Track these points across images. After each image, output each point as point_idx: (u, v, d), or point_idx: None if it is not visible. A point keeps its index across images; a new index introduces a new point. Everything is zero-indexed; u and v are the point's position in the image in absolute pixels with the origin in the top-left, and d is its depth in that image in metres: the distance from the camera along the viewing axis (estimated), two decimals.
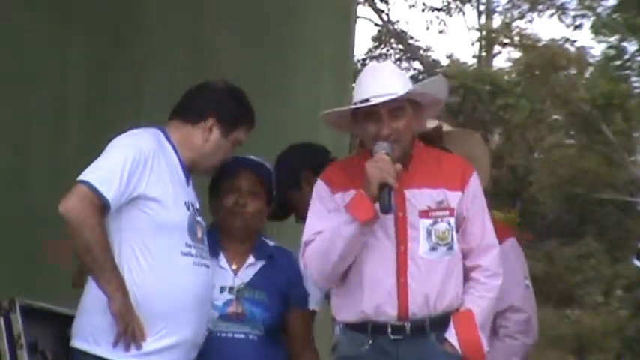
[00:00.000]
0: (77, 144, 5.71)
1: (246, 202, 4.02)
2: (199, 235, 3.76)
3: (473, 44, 26.22)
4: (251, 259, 4.02)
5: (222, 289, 3.96)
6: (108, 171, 3.62)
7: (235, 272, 4.00)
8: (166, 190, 3.68)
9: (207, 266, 3.78)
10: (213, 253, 3.97)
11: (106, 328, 3.57)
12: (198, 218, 3.78)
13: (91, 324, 3.63)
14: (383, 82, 3.67)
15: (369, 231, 3.63)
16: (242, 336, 3.94)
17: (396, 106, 3.65)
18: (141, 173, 3.64)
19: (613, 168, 22.04)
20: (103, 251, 3.55)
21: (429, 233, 3.65)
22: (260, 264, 4.02)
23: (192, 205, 3.77)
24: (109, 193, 3.58)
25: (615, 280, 21.32)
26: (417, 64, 27.22)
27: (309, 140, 4.63)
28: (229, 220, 4.04)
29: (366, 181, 3.56)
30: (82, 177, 3.61)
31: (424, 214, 3.66)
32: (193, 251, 3.71)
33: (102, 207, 3.57)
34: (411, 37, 27.27)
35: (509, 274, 4.36)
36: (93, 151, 5.10)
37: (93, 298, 3.62)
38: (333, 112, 3.81)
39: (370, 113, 3.68)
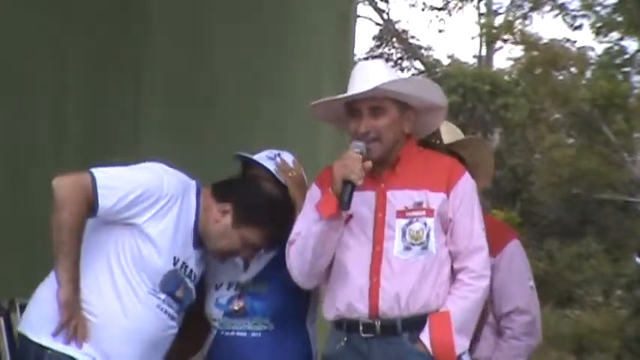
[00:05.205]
0: (77, 144, 5.71)
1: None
2: (178, 294, 3.75)
3: (473, 38, 26.27)
4: (261, 251, 3.96)
5: (229, 286, 3.96)
6: (119, 182, 3.64)
7: (246, 267, 3.98)
8: (163, 235, 3.68)
9: (173, 319, 3.76)
10: None
11: (51, 319, 3.58)
12: (187, 281, 3.77)
13: (38, 313, 3.65)
14: (365, 78, 3.69)
15: (338, 228, 3.65)
16: (244, 334, 3.92)
17: (376, 105, 3.68)
18: (146, 207, 3.65)
19: (613, 168, 22.02)
20: (72, 238, 3.55)
21: (403, 233, 3.66)
22: (271, 255, 3.97)
23: (185, 265, 3.76)
24: (104, 200, 3.59)
25: (615, 279, 21.33)
26: (418, 64, 27.28)
27: (309, 140, 4.63)
28: None
29: (332, 178, 3.60)
30: (94, 170, 3.63)
31: (400, 214, 3.67)
32: (162, 296, 3.70)
33: (91, 205, 3.58)
34: (412, 37, 27.33)
35: (514, 276, 4.38)
36: (93, 151, 5.13)
37: (47, 291, 3.63)
38: (317, 106, 3.84)
39: (353, 110, 3.72)
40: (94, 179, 3.60)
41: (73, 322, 3.56)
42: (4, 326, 3.96)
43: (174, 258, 3.72)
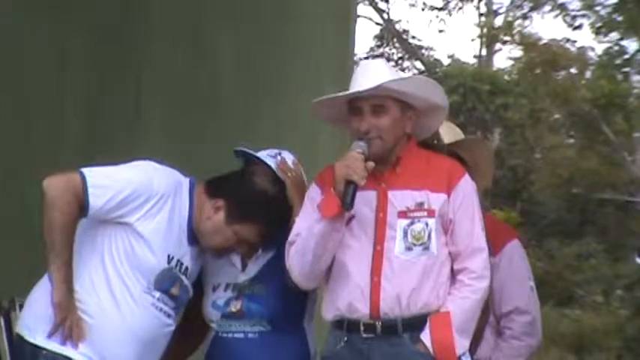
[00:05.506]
0: (77, 144, 5.71)
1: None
2: (173, 291, 3.74)
3: (473, 40, 26.26)
4: (259, 251, 3.94)
5: (226, 287, 3.94)
6: (109, 182, 3.64)
7: (244, 268, 3.96)
8: (156, 233, 3.68)
9: (169, 316, 3.75)
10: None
11: (46, 320, 3.59)
12: (183, 278, 3.77)
13: (34, 313, 3.66)
14: (368, 76, 3.70)
15: (340, 228, 3.65)
16: (241, 336, 3.91)
17: (378, 103, 3.68)
18: (136, 206, 3.65)
19: (613, 168, 22.00)
20: (63, 238, 3.55)
21: (405, 233, 3.66)
22: (269, 255, 3.95)
23: (179, 263, 3.75)
24: (94, 200, 3.60)
25: (615, 279, 21.31)
26: (418, 64, 27.28)
27: (309, 140, 4.62)
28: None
29: (334, 178, 3.60)
30: (84, 170, 3.63)
31: (402, 214, 3.67)
32: (157, 294, 3.70)
33: (81, 205, 3.59)
34: (413, 37, 27.33)
35: (514, 276, 4.39)
36: (93, 151, 5.12)
37: (42, 292, 3.64)
38: (319, 104, 3.83)
39: (354, 109, 3.72)
40: (84, 179, 3.60)
41: (68, 322, 3.57)
42: (5, 326, 3.95)
43: (169, 256, 3.72)
